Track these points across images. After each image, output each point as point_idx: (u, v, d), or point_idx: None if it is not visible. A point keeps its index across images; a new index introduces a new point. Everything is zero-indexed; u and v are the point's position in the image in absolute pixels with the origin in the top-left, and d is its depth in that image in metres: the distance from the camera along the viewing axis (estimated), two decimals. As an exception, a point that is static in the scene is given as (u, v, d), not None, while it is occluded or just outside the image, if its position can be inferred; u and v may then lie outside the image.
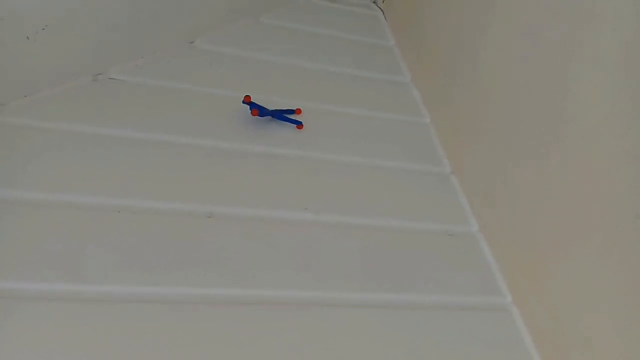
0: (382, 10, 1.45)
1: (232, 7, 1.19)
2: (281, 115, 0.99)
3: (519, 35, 0.90)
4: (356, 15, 1.42)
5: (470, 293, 0.84)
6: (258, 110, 0.95)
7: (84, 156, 0.82)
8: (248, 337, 0.68)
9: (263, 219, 0.83)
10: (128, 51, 1.00)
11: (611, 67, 0.71)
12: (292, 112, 1.01)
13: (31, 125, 0.83)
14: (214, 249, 0.76)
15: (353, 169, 0.98)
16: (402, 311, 0.78)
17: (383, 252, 0.85)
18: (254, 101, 0.96)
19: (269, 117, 0.98)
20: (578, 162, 0.76)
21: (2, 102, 0.84)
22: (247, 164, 0.91)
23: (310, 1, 1.39)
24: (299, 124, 0.99)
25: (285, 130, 0.99)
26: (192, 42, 1.11)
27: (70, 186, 0.77)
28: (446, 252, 0.89)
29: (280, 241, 0.81)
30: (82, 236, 0.71)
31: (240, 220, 0.82)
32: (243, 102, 0.96)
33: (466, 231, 0.94)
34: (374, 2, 1.48)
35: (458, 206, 0.98)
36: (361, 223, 0.89)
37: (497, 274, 0.88)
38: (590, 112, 0.74)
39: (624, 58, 0.69)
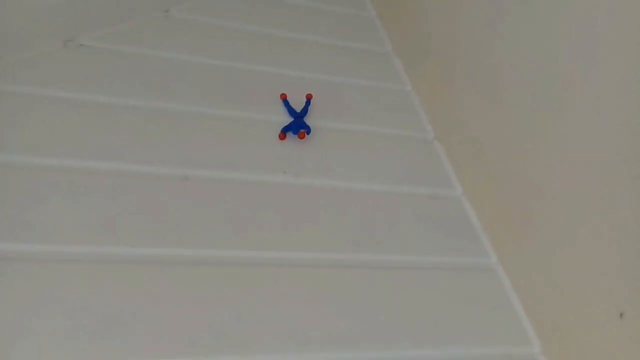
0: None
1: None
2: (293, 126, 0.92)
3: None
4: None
5: (455, 254, 0.82)
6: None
7: (53, 120, 0.79)
8: (220, 296, 0.66)
9: (241, 181, 0.81)
10: (100, 18, 0.97)
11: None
12: (305, 112, 0.96)
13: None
14: (189, 211, 0.74)
15: (335, 135, 0.96)
16: (385, 271, 0.76)
17: (364, 214, 0.83)
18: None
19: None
20: (566, 125, 0.74)
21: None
22: (222, 128, 0.89)
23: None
24: (301, 130, 0.91)
25: (263, 94, 0.97)
26: (166, 11, 1.08)
27: (38, 148, 0.74)
28: (430, 215, 0.87)
29: (259, 203, 0.79)
30: (51, 196, 0.69)
31: (216, 184, 0.79)
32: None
33: (450, 195, 0.92)
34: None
35: (442, 171, 0.97)
36: (342, 186, 0.87)
37: (482, 235, 0.86)
38: (576, 69, 0.72)
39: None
